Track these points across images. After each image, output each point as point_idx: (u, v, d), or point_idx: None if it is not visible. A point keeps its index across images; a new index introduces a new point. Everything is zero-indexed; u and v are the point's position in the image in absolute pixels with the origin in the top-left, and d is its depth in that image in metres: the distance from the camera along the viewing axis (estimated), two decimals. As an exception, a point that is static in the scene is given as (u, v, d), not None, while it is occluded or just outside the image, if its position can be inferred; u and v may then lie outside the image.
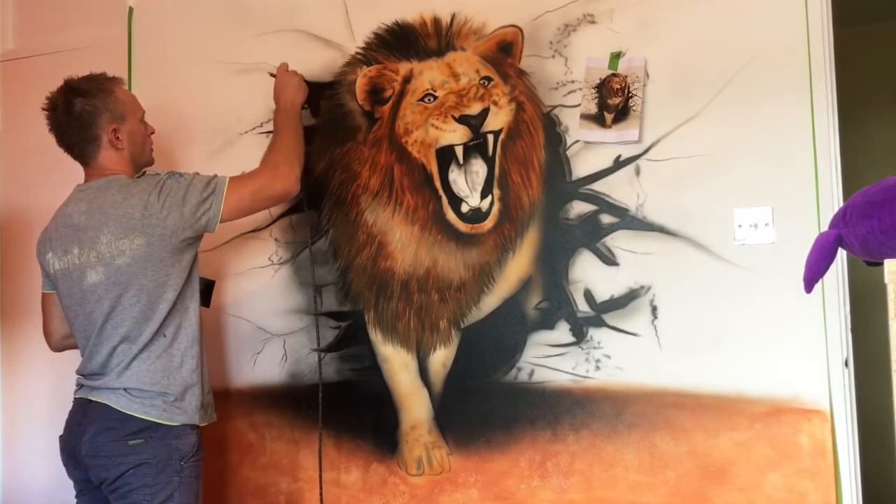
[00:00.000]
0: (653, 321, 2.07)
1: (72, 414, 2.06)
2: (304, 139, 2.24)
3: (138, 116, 2.13)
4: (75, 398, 2.06)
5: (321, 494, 2.33)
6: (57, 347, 2.21)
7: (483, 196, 2.23)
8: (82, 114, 2.02)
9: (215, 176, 2.06)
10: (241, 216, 2.12)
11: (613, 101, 2.11)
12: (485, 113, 2.23)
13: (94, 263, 1.98)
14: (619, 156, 2.12)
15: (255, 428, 2.43)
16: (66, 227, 2.04)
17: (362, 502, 2.31)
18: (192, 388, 2.01)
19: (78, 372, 2.08)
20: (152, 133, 2.18)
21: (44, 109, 2.07)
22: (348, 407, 2.34)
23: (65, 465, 2.05)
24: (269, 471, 2.42)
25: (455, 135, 2.25)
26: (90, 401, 1.99)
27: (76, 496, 2.08)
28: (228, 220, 2.06)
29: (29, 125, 2.74)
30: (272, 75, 2.32)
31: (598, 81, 2.12)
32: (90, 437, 1.94)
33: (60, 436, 2.06)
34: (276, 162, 2.14)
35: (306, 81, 2.33)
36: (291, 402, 2.40)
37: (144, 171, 2.11)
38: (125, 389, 1.95)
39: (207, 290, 2.29)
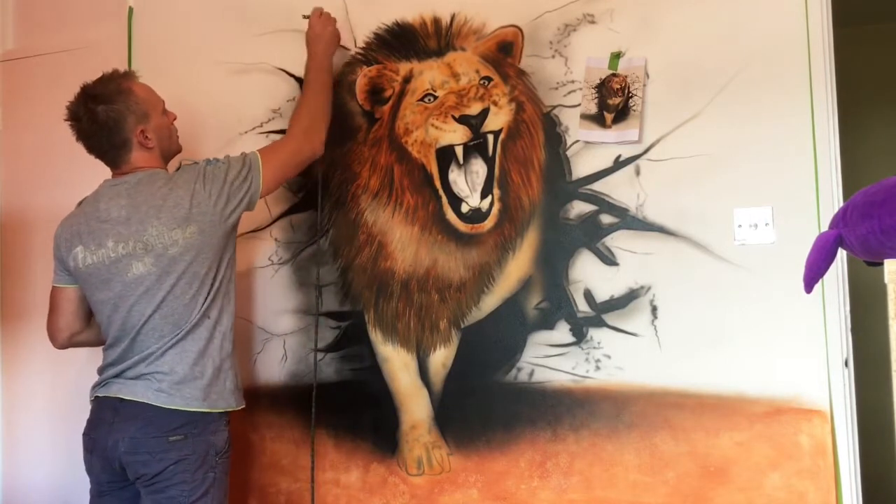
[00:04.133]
0: (653, 321, 2.07)
1: (97, 413, 2.02)
2: (332, 92, 2.28)
3: (160, 109, 2.12)
4: (99, 397, 2.02)
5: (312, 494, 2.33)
6: (64, 345, 2.16)
7: (483, 196, 2.23)
8: (108, 121, 2.02)
9: (247, 154, 2.11)
10: (278, 187, 2.19)
11: (613, 101, 2.11)
12: (485, 113, 2.23)
13: (140, 254, 1.97)
14: (619, 156, 2.12)
15: (256, 428, 2.43)
16: (101, 222, 2.02)
17: (362, 502, 2.31)
18: (229, 369, 2.05)
19: (106, 367, 2.04)
20: (174, 119, 2.17)
21: (66, 120, 2.06)
22: (348, 407, 2.35)
23: (88, 465, 2.02)
24: (269, 471, 2.41)
25: (455, 135, 2.25)
26: (122, 399, 1.97)
27: (95, 496, 2.04)
28: (267, 193, 2.13)
29: (29, 125, 2.76)
30: (305, 17, 2.33)
31: (598, 81, 2.12)
32: (130, 435, 1.93)
33: (85, 434, 2.03)
34: (305, 125, 2.20)
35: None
36: (291, 402, 2.40)
37: (181, 164, 2.10)
38: (164, 375, 1.95)
39: None
